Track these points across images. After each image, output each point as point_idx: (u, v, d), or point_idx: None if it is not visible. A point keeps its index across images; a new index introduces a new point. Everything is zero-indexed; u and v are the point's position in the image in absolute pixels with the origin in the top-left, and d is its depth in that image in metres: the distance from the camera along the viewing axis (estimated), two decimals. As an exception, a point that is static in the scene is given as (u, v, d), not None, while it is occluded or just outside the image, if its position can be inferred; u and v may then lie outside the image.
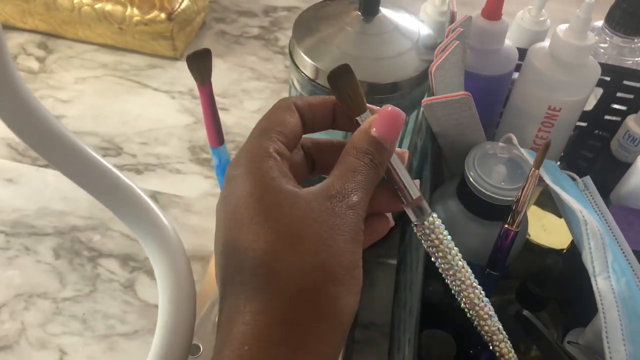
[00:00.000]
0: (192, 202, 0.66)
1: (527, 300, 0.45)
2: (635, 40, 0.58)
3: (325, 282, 0.23)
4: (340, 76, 0.29)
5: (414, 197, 0.30)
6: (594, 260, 0.37)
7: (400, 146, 0.55)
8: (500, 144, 0.45)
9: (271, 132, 0.26)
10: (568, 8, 0.90)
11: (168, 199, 0.66)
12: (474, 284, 0.32)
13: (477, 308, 0.32)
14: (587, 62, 0.49)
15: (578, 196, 0.44)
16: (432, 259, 0.32)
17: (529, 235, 0.51)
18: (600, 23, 0.60)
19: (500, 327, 0.33)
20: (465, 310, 0.33)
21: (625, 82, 0.54)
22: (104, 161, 0.24)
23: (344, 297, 0.24)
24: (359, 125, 0.28)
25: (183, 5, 0.80)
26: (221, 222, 0.25)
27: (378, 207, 0.29)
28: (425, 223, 0.30)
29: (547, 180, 0.42)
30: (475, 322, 0.33)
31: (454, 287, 0.32)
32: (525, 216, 0.48)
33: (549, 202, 0.52)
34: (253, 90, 0.80)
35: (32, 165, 0.68)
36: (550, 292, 0.45)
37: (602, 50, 0.59)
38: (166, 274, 0.27)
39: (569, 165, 0.58)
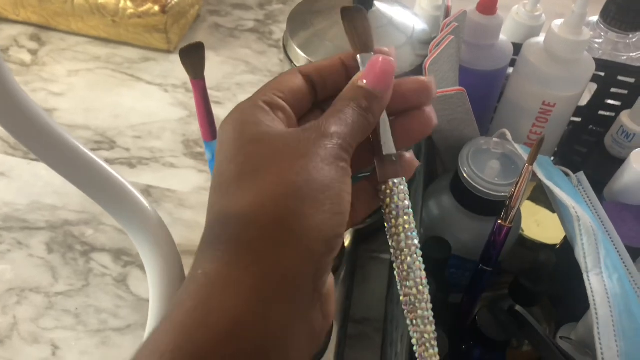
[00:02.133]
0: (185, 196, 0.66)
1: (520, 295, 0.45)
2: (630, 36, 0.58)
3: (289, 198, 0.23)
4: (354, 13, 0.28)
5: (384, 153, 0.28)
6: (586, 256, 0.37)
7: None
8: (494, 139, 0.45)
9: (264, 90, 0.27)
10: (563, 1, 0.89)
11: (161, 193, 0.66)
12: (421, 270, 0.28)
13: (412, 299, 0.28)
14: (581, 58, 0.48)
15: (571, 192, 0.44)
16: (385, 226, 0.29)
17: (522, 231, 0.51)
18: (595, 18, 0.60)
19: (431, 330, 0.28)
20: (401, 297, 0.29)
21: (620, 78, 0.54)
22: (92, 154, 0.24)
23: (313, 215, 0.23)
24: (357, 65, 0.28)
25: (177, -2, 0.80)
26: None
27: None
28: (386, 185, 0.28)
29: (541, 175, 0.42)
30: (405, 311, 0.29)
31: (398, 268, 0.28)
32: (518, 212, 0.48)
33: (543, 197, 0.52)
34: (247, 83, 0.80)
35: (23, 159, 0.68)
36: (543, 288, 0.45)
37: (596, 46, 0.59)
38: (156, 267, 0.27)
39: (562, 160, 0.58)
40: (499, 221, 0.40)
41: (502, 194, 0.42)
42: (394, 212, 0.28)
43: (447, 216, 0.46)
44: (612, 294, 0.35)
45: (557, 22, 0.48)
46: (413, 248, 0.28)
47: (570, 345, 0.42)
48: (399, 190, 0.28)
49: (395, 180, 0.28)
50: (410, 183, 0.54)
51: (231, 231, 0.23)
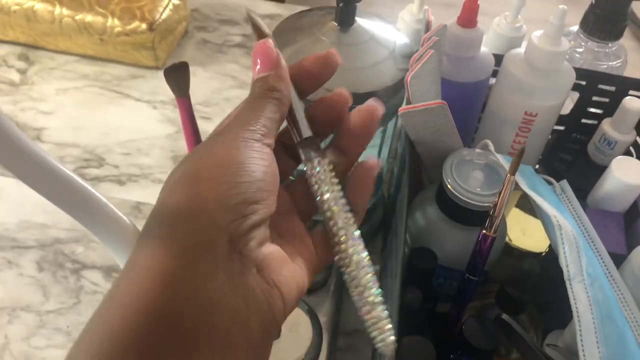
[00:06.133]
0: (175, 212, 0.66)
1: (506, 304, 0.45)
2: (610, 45, 0.59)
3: (191, 182, 0.25)
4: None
5: (303, 137, 0.30)
6: (568, 264, 0.38)
7: (379, 152, 0.56)
8: (477, 150, 0.46)
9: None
10: (545, 12, 0.91)
11: (151, 210, 0.66)
12: (357, 242, 0.29)
13: (354, 274, 0.30)
14: (561, 68, 0.49)
15: (554, 200, 0.44)
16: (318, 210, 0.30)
17: (509, 240, 0.52)
18: (576, 28, 0.61)
19: (380, 307, 0.30)
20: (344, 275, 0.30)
21: (601, 86, 0.55)
22: (62, 165, 0.25)
23: (210, 189, 0.25)
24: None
25: (164, 15, 0.80)
26: None
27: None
28: (308, 165, 0.29)
29: (523, 185, 0.43)
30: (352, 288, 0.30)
31: (336, 246, 0.29)
32: (503, 221, 0.48)
33: (529, 205, 0.52)
34: (235, 98, 0.80)
35: (12, 178, 0.68)
36: (529, 296, 0.46)
37: (577, 55, 0.60)
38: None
39: (547, 168, 0.59)
40: (484, 231, 0.41)
41: (486, 204, 0.42)
42: (317, 187, 0.29)
43: (432, 227, 0.47)
44: (594, 301, 0.36)
45: (537, 33, 0.49)
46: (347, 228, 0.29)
47: (557, 353, 0.42)
48: (318, 172, 0.29)
49: (315, 161, 0.29)
50: (395, 194, 0.55)
51: (152, 220, 0.26)
